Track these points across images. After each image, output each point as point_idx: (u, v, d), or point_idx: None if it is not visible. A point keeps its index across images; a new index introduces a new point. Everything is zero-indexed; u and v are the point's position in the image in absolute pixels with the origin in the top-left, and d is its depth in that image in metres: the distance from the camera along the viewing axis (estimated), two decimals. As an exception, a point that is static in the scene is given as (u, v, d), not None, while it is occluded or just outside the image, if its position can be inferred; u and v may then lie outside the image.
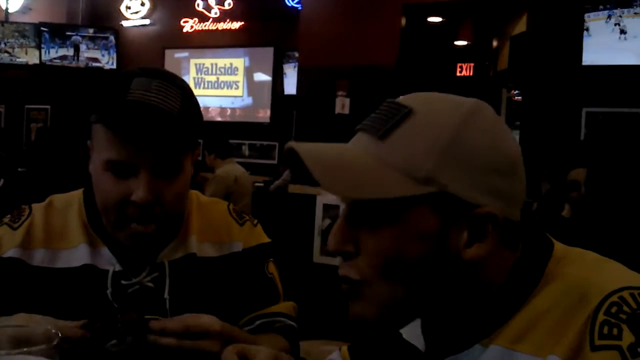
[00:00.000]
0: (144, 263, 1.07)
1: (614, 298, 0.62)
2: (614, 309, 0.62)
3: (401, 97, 0.73)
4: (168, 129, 0.98)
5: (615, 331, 0.60)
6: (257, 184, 6.18)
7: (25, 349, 0.61)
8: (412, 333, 0.81)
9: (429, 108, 0.70)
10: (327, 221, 3.65)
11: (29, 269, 1.05)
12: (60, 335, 0.64)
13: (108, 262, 1.06)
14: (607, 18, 3.92)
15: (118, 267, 1.06)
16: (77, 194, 1.13)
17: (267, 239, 1.23)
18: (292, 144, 0.70)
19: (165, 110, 0.98)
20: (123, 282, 1.05)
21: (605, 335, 0.60)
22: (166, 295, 1.06)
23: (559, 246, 0.74)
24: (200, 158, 5.09)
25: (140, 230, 1.01)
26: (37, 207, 1.11)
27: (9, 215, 1.11)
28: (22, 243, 1.05)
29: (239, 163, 5.00)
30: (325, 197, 3.64)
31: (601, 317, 0.62)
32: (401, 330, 0.83)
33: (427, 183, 0.66)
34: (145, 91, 0.98)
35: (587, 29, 3.93)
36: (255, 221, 1.23)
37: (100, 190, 1.02)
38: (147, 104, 0.97)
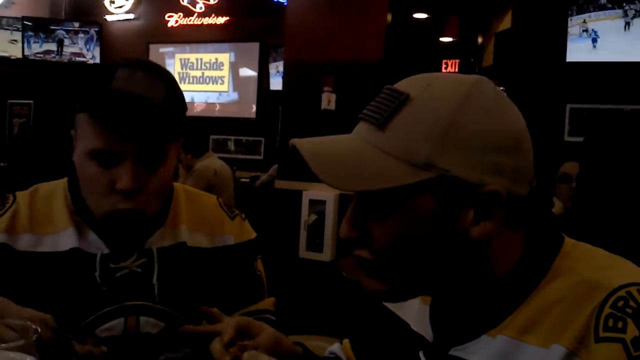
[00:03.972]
0: (132, 249, 1.08)
1: (621, 293, 0.63)
2: (620, 303, 0.62)
3: (401, 81, 0.73)
4: (153, 119, 0.99)
5: (620, 324, 0.61)
6: (242, 180, 6.16)
7: (3, 345, 0.60)
8: (420, 324, 0.81)
9: (427, 93, 0.70)
10: (313, 216, 3.64)
11: (15, 253, 1.06)
12: (38, 330, 0.64)
13: (95, 246, 1.07)
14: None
15: (106, 251, 1.07)
16: (62, 182, 1.14)
17: (254, 234, 1.25)
18: (293, 140, 0.71)
19: (149, 101, 0.99)
20: (112, 265, 1.06)
21: (610, 327, 0.61)
22: (154, 281, 1.07)
23: (568, 240, 0.74)
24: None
25: (125, 207, 1.01)
26: (22, 194, 1.12)
27: None
28: (7, 228, 1.07)
29: (225, 159, 4.97)
30: (311, 193, 3.64)
31: (607, 310, 0.62)
32: (409, 321, 0.84)
33: (427, 169, 0.67)
34: (130, 81, 0.99)
35: (587, 30, 3.95)
36: (244, 215, 1.25)
37: (85, 178, 1.04)
38: (131, 94, 0.98)
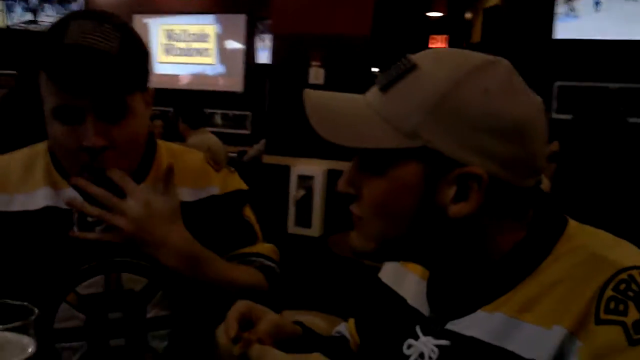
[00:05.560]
0: None
1: (624, 275, 0.63)
2: (622, 286, 0.62)
3: (421, 52, 0.74)
4: (106, 70, 0.95)
5: (621, 307, 0.61)
6: (230, 154, 6.13)
7: (0, 327, 0.59)
8: (417, 299, 0.82)
9: (433, 64, 0.70)
10: (302, 192, 3.64)
11: None
12: (36, 310, 0.63)
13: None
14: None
15: None
16: (44, 143, 1.12)
17: (244, 186, 1.23)
18: (305, 91, 0.74)
19: (102, 51, 0.94)
20: (89, 219, 1.02)
21: (611, 310, 0.61)
22: None
23: (572, 223, 0.74)
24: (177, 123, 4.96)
25: (97, 166, 0.98)
26: (2, 157, 1.12)
27: None
28: None
29: (211, 133, 4.94)
30: (299, 168, 3.63)
31: (609, 292, 0.62)
32: (406, 297, 0.85)
33: (413, 138, 0.67)
34: (82, 33, 0.95)
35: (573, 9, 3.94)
36: (233, 169, 1.23)
37: (53, 139, 1.01)
38: (83, 46, 0.94)
